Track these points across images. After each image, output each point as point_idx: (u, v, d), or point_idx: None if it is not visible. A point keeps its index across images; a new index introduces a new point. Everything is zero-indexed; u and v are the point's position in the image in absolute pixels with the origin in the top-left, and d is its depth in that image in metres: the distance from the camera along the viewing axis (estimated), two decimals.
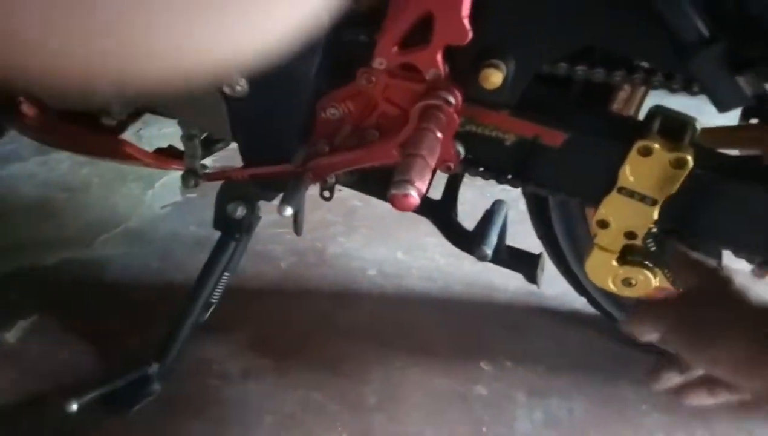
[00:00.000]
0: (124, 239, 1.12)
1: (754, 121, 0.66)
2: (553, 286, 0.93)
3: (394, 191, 0.49)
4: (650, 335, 0.47)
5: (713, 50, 0.43)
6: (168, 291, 1.00)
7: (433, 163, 0.52)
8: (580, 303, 0.90)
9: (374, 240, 1.12)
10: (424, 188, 0.50)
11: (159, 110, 0.77)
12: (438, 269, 1.06)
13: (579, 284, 0.84)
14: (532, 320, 0.97)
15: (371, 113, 0.62)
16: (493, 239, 0.62)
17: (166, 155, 0.82)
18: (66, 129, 0.78)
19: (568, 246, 0.77)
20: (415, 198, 0.49)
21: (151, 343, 0.84)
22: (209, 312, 0.84)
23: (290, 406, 0.83)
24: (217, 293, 0.84)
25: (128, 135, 0.87)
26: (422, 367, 0.89)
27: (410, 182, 0.49)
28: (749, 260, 0.62)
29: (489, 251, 0.60)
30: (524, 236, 0.81)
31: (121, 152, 0.80)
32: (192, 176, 0.77)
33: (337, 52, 0.62)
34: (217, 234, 0.83)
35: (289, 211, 0.63)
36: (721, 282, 0.46)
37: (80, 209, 1.20)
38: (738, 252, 0.60)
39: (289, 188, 0.65)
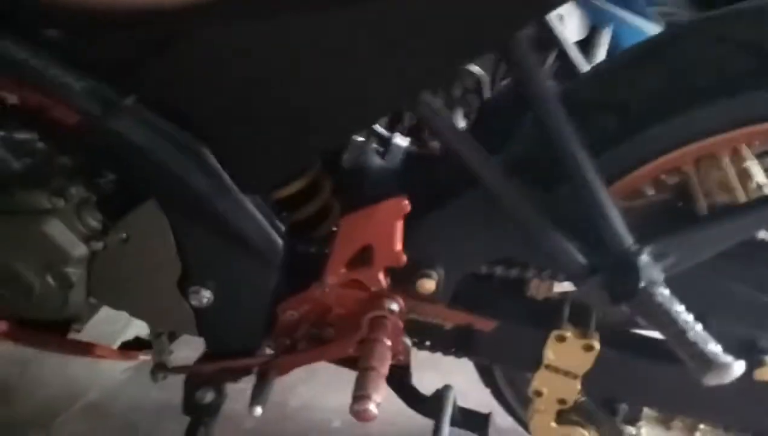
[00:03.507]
0: (84, 416, 1.11)
1: None
2: (508, 417, 0.99)
3: (355, 407, 0.56)
4: None
5: (593, 281, 0.55)
6: None
7: (385, 370, 0.60)
8: None
9: (335, 384, 1.16)
10: (381, 398, 0.58)
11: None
12: (400, 412, 1.10)
13: (526, 426, 0.91)
14: None
15: (327, 315, 0.70)
16: (445, 431, 0.69)
17: (133, 348, 0.87)
18: (37, 336, 0.82)
19: (512, 396, 0.86)
20: (373, 412, 0.56)
21: None
22: None
23: None
24: None
25: None
26: None
27: (368, 397, 0.56)
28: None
29: None
30: None
31: (88, 351, 0.85)
32: (161, 370, 0.82)
33: (292, 263, 0.71)
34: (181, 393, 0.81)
35: (259, 410, 0.69)
36: None
37: (35, 385, 1.17)
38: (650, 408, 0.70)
39: (256, 388, 0.71)
